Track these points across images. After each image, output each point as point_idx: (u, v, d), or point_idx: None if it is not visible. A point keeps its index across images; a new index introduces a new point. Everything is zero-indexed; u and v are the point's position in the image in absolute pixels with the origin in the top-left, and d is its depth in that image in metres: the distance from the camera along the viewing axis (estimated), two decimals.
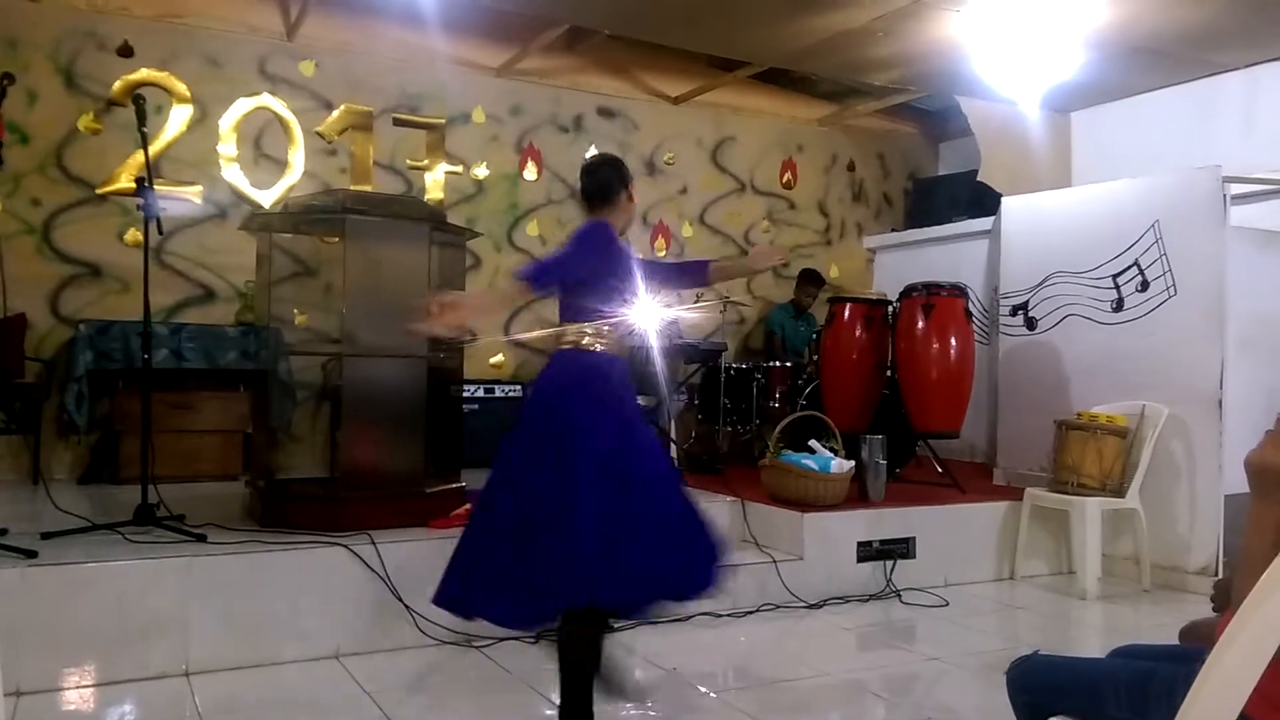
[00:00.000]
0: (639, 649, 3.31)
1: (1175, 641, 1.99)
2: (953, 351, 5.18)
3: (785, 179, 7.62)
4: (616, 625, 2.98)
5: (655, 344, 2.77)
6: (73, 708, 2.86)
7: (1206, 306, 4.68)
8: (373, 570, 3.39)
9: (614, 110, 6.93)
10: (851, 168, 7.91)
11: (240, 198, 5.79)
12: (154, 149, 5.38)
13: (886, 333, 5.43)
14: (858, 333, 5.41)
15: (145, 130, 3.85)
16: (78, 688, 2.96)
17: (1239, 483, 1.54)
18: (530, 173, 6.64)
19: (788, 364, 6.27)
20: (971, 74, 5.67)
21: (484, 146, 6.49)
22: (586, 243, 2.74)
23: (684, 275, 3.12)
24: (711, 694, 3.11)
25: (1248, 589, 1.23)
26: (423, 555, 3.51)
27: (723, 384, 6.09)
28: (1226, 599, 1.64)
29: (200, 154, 5.70)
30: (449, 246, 4.27)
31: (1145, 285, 4.96)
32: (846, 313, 5.47)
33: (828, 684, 3.26)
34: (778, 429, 4.77)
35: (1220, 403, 4.59)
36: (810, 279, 7.01)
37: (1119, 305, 5.09)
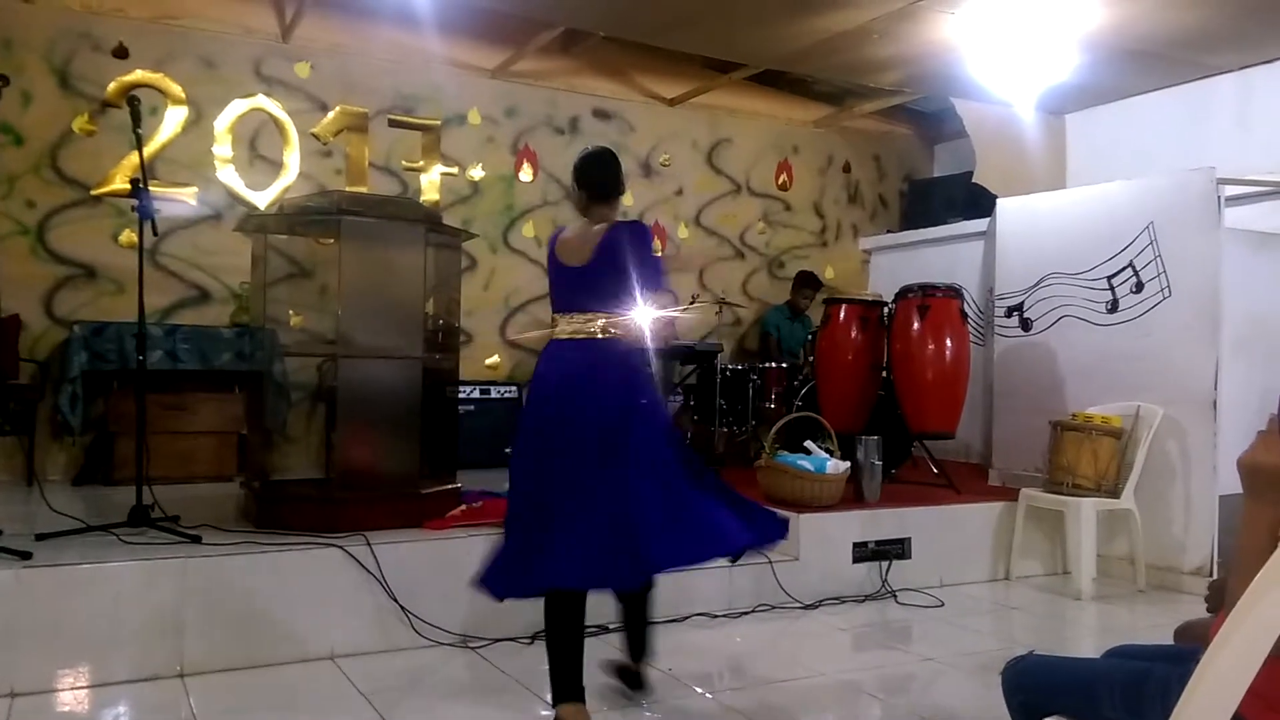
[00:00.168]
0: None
1: (1170, 641, 2.00)
2: (948, 352, 5.19)
3: (781, 180, 7.62)
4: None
5: (650, 344, 2.80)
6: (67, 709, 2.86)
7: (1201, 308, 4.69)
8: (368, 571, 3.39)
9: (610, 112, 6.93)
10: (847, 169, 7.92)
11: (235, 199, 5.78)
12: (149, 150, 5.38)
13: (882, 334, 5.44)
14: (853, 334, 5.41)
15: (140, 131, 3.84)
16: (72, 689, 2.95)
17: (1234, 483, 1.54)
18: (526, 174, 6.64)
19: (783, 365, 6.27)
20: (967, 76, 5.69)
21: (479, 148, 6.49)
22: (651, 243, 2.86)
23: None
24: (707, 694, 3.11)
25: (1242, 589, 1.23)
26: (418, 556, 3.52)
27: (718, 385, 6.09)
28: (1221, 600, 1.64)
29: (195, 155, 5.69)
30: (444, 248, 4.27)
31: (1140, 286, 4.97)
32: (842, 314, 5.48)
33: (823, 684, 3.26)
34: (773, 430, 4.77)
35: (1215, 404, 4.60)
36: (807, 281, 7.01)
37: (1114, 306, 5.10)
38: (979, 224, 6.57)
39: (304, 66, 5.98)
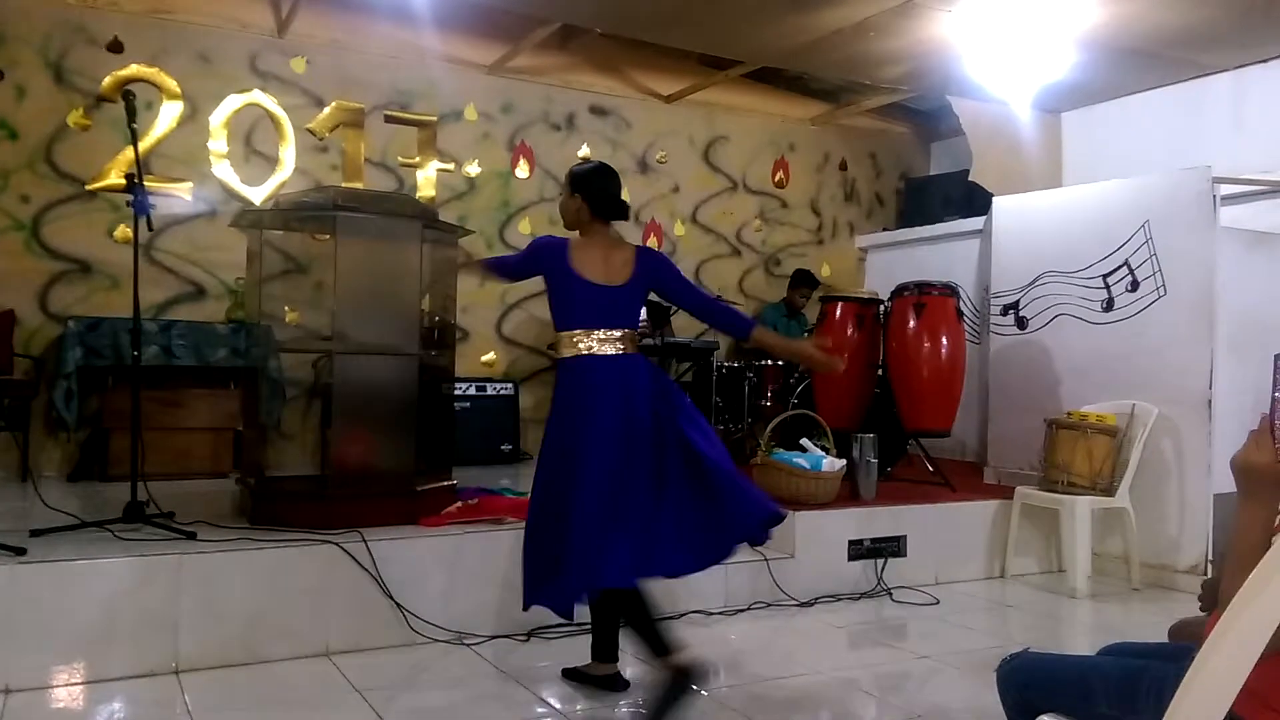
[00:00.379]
0: (628, 648, 3.30)
1: (1165, 639, 2.00)
2: (944, 350, 5.20)
3: (777, 178, 7.62)
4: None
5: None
6: (62, 705, 2.85)
7: (1196, 306, 4.70)
8: (363, 568, 3.38)
9: (606, 108, 6.92)
10: (844, 167, 7.92)
11: (231, 194, 5.77)
12: (144, 145, 5.37)
13: (878, 332, 5.45)
14: (849, 332, 5.42)
15: (135, 126, 3.82)
16: (67, 685, 2.94)
17: (1228, 482, 1.55)
18: (522, 170, 6.63)
19: (780, 362, 6.27)
20: (963, 74, 5.69)
21: (476, 144, 6.48)
22: None
23: (722, 320, 3.20)
24: (702, 692, 3.12)
25: (1235, 588, 1.23)
26: (414, 553, 3.51)
27: (715, 382, 6.09)
28: (1214, 598, 1.65)
29: (190, 150, 5.68)
30: (440, 244, 4.26)
31: (1135, 285, 4.98)
32: (838, 312, 5.48)
33: (819, 682, 3.26)
34: (769, 427, 4.77)
35: (1210, 402, 4.62)
36: (803, 280, 7.01)
37: (1109, 305, 5.11)
38: (975, 222, 6.58)
39: (300, 62, 5.96)
